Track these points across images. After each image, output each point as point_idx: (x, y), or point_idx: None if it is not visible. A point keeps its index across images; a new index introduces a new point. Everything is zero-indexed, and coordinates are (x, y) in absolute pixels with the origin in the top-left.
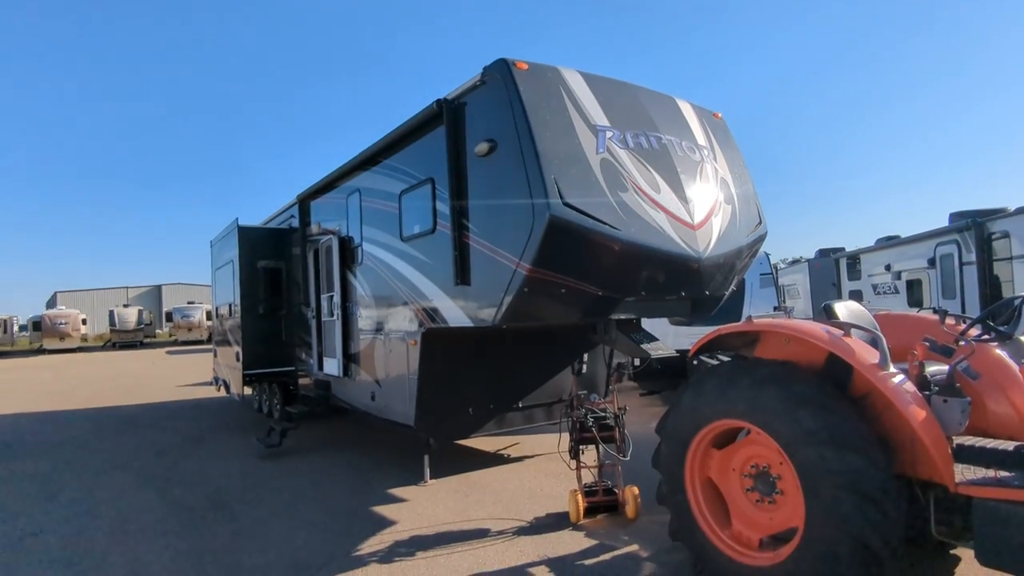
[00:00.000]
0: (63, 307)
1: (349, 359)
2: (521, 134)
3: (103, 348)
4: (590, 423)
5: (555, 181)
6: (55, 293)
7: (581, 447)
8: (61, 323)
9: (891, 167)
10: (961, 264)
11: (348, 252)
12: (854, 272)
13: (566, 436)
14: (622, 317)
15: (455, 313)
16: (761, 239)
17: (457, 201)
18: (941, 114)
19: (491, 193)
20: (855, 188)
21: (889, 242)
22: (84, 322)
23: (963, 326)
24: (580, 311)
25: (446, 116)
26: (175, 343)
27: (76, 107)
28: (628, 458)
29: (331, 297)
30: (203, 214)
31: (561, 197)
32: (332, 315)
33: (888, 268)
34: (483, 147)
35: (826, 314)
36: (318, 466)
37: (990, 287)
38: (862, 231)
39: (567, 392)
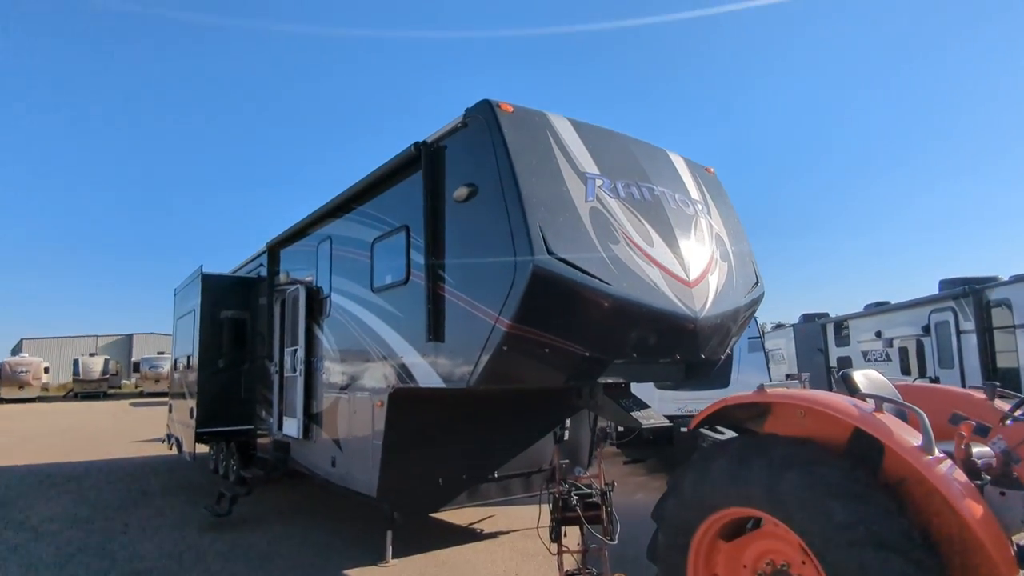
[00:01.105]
0: (26, 354)
1: (311, 419)
2: (504, 177)
3: (64, 398)
4: (574, 501)
5: (540, 229)
6: (21, 340)
7: (563, 528)
8: (22, 371)
9: (873, 234)
10: (958, 332)
11: (316, 303)
12: (842, 338)
13: (546, 511)
14: (610, 381)
15: (426, 372)
16: (758, 300)
17: (432, 250)
18: (923, 183)
19: (469, 242)
20: (838, 252)
21: (879, 308)
22: (46, 371)
23: (996, 401)
24: (564, 373)
25: (424, 159)
26: (140, 395)
27: (53, 149)
28: (616, 542)
29: (295, 351)
30: (185, 262)
31: (546, 247)
32: (295, 371)
33: (879, 335)
34: (462, 192)
35: (845, 385)
36: (268, 539)
37: (991, 356)
38: (844, 297)
39: (547, 461)
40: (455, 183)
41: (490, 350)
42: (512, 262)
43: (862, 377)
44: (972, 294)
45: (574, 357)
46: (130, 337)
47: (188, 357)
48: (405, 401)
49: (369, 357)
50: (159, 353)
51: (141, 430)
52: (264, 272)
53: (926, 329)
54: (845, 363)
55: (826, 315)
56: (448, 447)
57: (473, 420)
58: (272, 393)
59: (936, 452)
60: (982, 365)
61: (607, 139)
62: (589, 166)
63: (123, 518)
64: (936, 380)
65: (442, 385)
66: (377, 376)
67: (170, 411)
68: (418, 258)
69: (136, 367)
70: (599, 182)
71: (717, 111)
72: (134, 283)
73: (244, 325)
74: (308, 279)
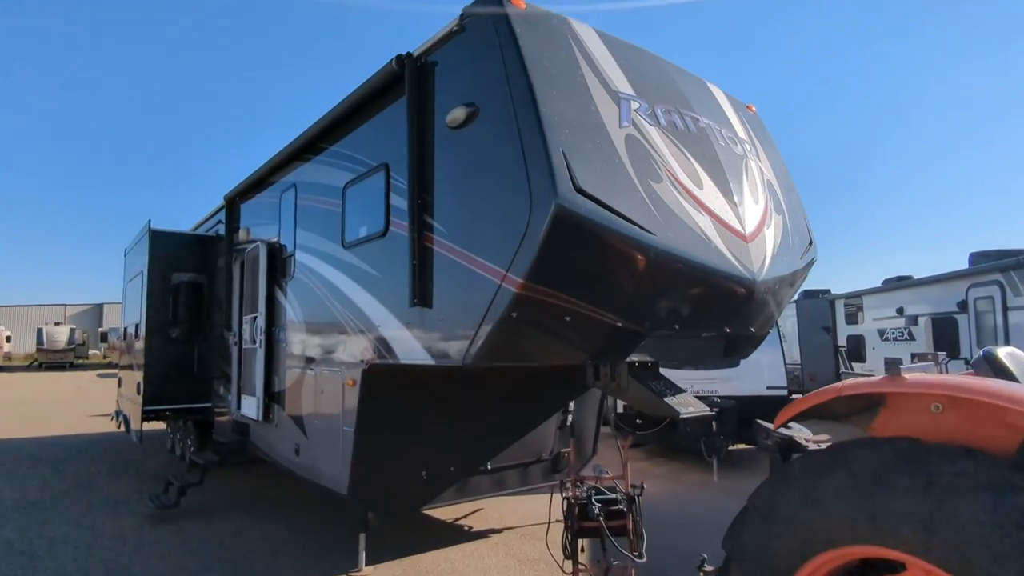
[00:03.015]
0: None
1: (272, 398)
2: (515, 90)
3: (27, 368)
4: (596, 509)
5: (564, 155)
6: None
7: (580, 540)
8: None
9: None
10: (1006, 308)
11: (278, 263)
12: (854, 315)
13: (538, 510)
14: (635, 359)
15: (409, 345)
16: (811, 264)
17: (419, 192)
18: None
19: (467, 179)
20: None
21: (901, 283)
22: (8, 339)
23: None
24: (588, 348)
25: (409, 77)
26: (108, 365)
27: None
28: (645, 559)
29: (254, 319)
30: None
31: (572, 180)
32: (254, 342)
33: (900, 312)
34: (459, 114)
35: (989, 366)
36: (218, 539)
37: None
38: (839, 275)
39: (547, 449)
40: (448, 105)
41: (494, 318)
42: (526, 201)
43: (1008, 357)
44: None
45: (602, 328)
46: (100, 307)
47: (136, 325)
48: (382, 379)
49: (339, 326)
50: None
51: (102, 402)
52: (223, 230)
53: (961, 305)
54: (856, 342)
55: (827, 291)
56: (434, 434)
57: (464, 401)
58: (231, 367)
59: None
60: None
61: (639, 56)
62: (622, 84)
63: (56, 508)
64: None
65: (429, 361)
66: (349, 349)
67: (119, 385)
68: (400, 203)
69: (104, 337)
70: (634, 104)
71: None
72: (107, 253)
73: (200, 290)
74: (270, 236)
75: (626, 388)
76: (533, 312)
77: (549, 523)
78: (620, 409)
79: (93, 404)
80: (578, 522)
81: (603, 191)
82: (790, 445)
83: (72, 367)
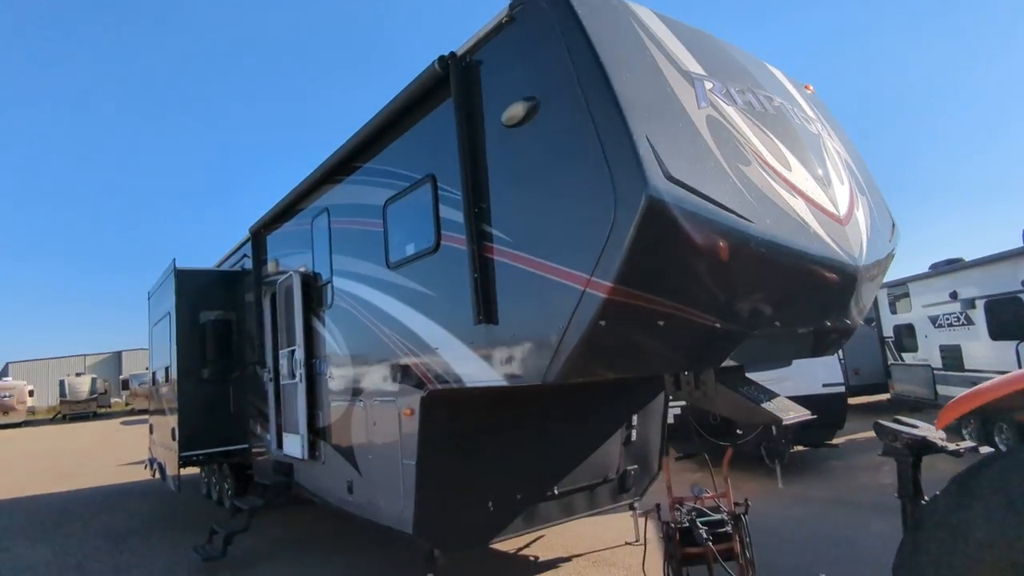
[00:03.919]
0: (10, 378)
1: (317, 435)
2: (585, 75)
3: (52, 421)
4: (704, 533)
5: (649, 142)
6: (6, 364)
7: (685, 568)
8: (5, 396)
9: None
10: None
11: (314, 292)
12: (899, 304)
13: (644, 536)
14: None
15: (475, 367)
16: (894, 250)
17: (474, 199)
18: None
19: (532, 178)
20: None
21: (952, 266)
22: (31, 393)
23: None
24: (684, 355)
25: (455, 78)
26: (131, 412)
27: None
28: None
29: (292, 353)
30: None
31: (662, 167)
32: (294, 376)
33: (954, 296)
34: (516, 111)
35: None
36: None
37: None
38: None
39: (613, 468)
40: (502, 103)
41: (578, 329)
42: (609, 195)
43: None
44: None
45: (700, 331)
46: (119, 354)
47: (166, 368)
48: (443, 406)
49: (390, 353)
50: (147, 368)
51: (130, 450)
52: (249, 264)
53: None
54: (905, 332)
55: None
56: (497, 460)
57: (526, 423)
58: (267, 405)
59: None
60: None
61: (699, 37)
62: (691, 65)
63: (96, 567)
64: None
65: (501, 383)
66: (402, 376)
67: (151, 431)
68: (451, 215)
69: (125, 384)
70: (708, 84)
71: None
72: (121, 300)
73: (229, 327)
74: (303, 265)
75: (714, 396)
76: (623, 319)
77: (645, 550)
78: (671, 420)
79: (120, 453)
80: (681, 548)
81: (695, 178)
82: (923, 446)
83: (95, 416)
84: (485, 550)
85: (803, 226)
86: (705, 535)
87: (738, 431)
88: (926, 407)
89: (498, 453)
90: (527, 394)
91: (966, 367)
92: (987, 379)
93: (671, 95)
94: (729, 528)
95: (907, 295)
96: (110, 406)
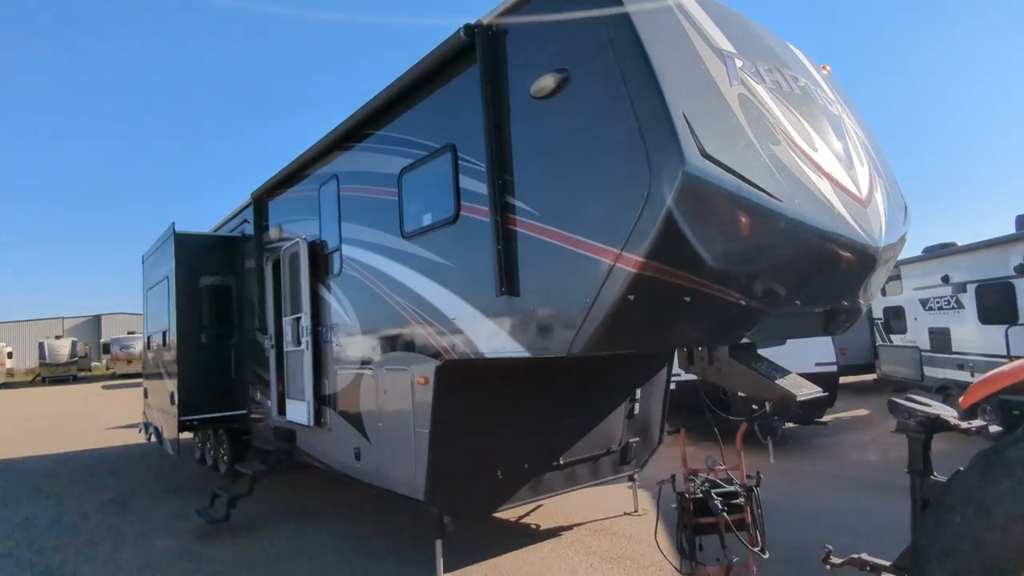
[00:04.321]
0: None
1: (322, 402)
2: (620, 48)
3: (31, 384)
4: (719, 503)
5: (685, 118)
6: None
7: (697, 538)
8: None
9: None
10: None
11: (320, 260)
12: (890, 285)
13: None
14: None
15: (495, 338)
16: (907, 232)
17: (499, 170)
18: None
19: (560, 152)
20: None
21: (945, 250)
22: (10, 355)
23: None
24: (706, 331)
25: (480, 48)
26: (112, 376)
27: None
28: (768, 555)
29: (297, 320)
30: (148, 236)
31: (698, 144)
32: (299, 343)
33: (946, 279)
34: (547, 82)
35: None
36: (279, 554)
37: None
38: None
39: (616, 440)
40: (529, 74)
41: (606, 302)
42: (644, 170)
43: None
44: None
45: (725, 308)
46: (98, 318)
47: (164, 333)
48: (457, 375)
49: (403, 321)
50: (129, 333)
51: (114, 414)
52: (249, 229)
53: (1020, 269)
54: (895, 314)
55: None
56: (507, 430)
57: (537, 394)
58: (268, 371)
59: None
60: None
61: (728, 14)
62: (722, 42)
63: (101, 528)
64: None
65: (524, 354)
66: (416, 345)
67: (145, 395)
68: (472, 186)
69: (106, 348)
70: (738, 62)
71: None
72: (103, 266)
73: (229, 292)
74: (308, 232)
75: (728, 371)
76: (652, 294)
77: (657, 521)
78: None
79: (105, 417)
80: (693, 518)
81: (729, 156)
82: (936, 424)
83: (76, 380)
84: (488, 518)
85: (829, 207)
86: (720, 505)
87: (754, 406)
88: (911, 387)
89: (508, 423)
90: (539, 366)
91: (954, 350)
92: (973, 362)
93: (705, 72)
94: (741, 500)
95: (899, 277)
96: (90, 370)
